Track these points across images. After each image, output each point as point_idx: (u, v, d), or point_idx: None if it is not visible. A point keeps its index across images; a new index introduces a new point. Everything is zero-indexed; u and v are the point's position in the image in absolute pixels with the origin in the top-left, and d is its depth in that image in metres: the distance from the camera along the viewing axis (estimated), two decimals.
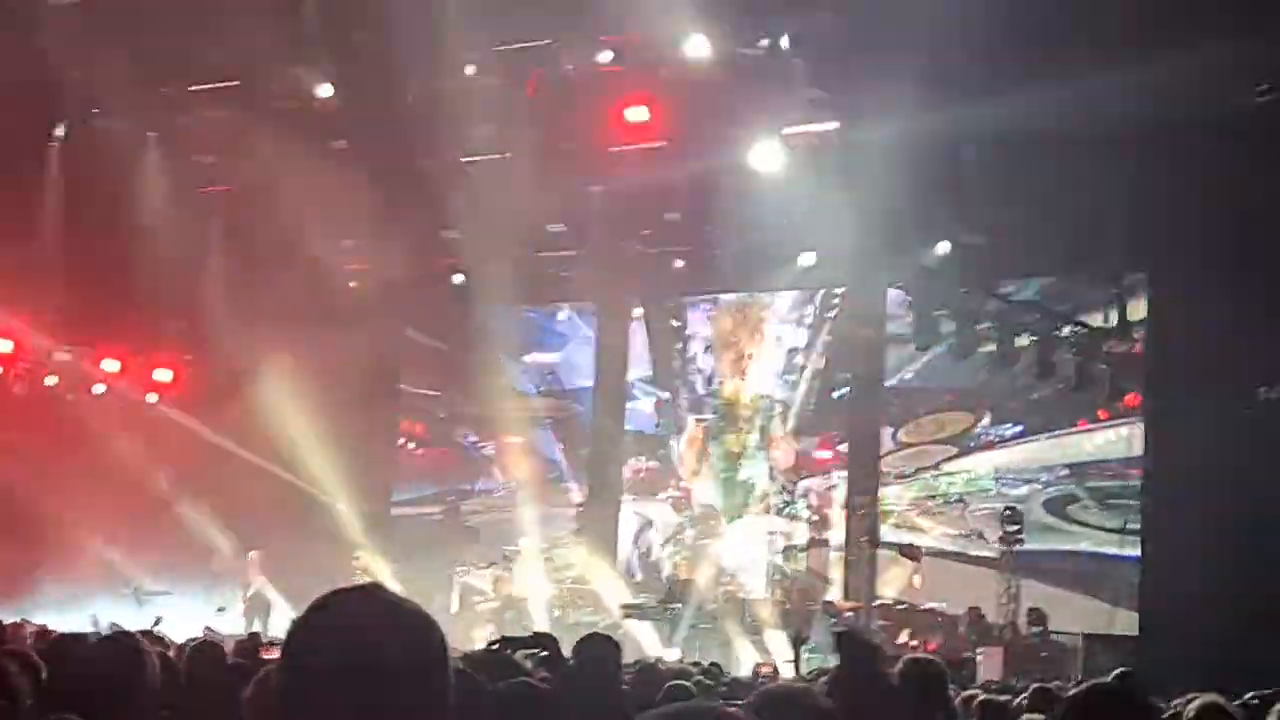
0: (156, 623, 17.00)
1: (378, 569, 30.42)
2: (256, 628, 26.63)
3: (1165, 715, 8.20)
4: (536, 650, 10.49)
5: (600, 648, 9.43)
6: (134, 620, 19.74)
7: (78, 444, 30.12)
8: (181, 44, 26.36)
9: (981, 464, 28.91)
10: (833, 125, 24.56)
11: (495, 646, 10.77)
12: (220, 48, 26.36)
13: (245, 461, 30.71)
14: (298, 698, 2.98)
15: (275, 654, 10.97)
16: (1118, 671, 13.20)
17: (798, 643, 16.39)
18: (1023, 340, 24.60)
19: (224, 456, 31.95)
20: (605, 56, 25.32)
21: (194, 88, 27.73)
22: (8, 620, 16.24)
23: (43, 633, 15.02)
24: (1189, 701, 7.92)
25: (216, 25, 25.60)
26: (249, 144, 27.68)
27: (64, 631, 14.56)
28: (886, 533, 28.29)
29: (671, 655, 24.36)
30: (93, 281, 29.87)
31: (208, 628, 22.74)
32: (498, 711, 6.48)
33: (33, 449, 29.77)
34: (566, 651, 11.49)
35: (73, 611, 24.11)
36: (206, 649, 9.42)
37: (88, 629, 16.74)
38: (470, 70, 26.23)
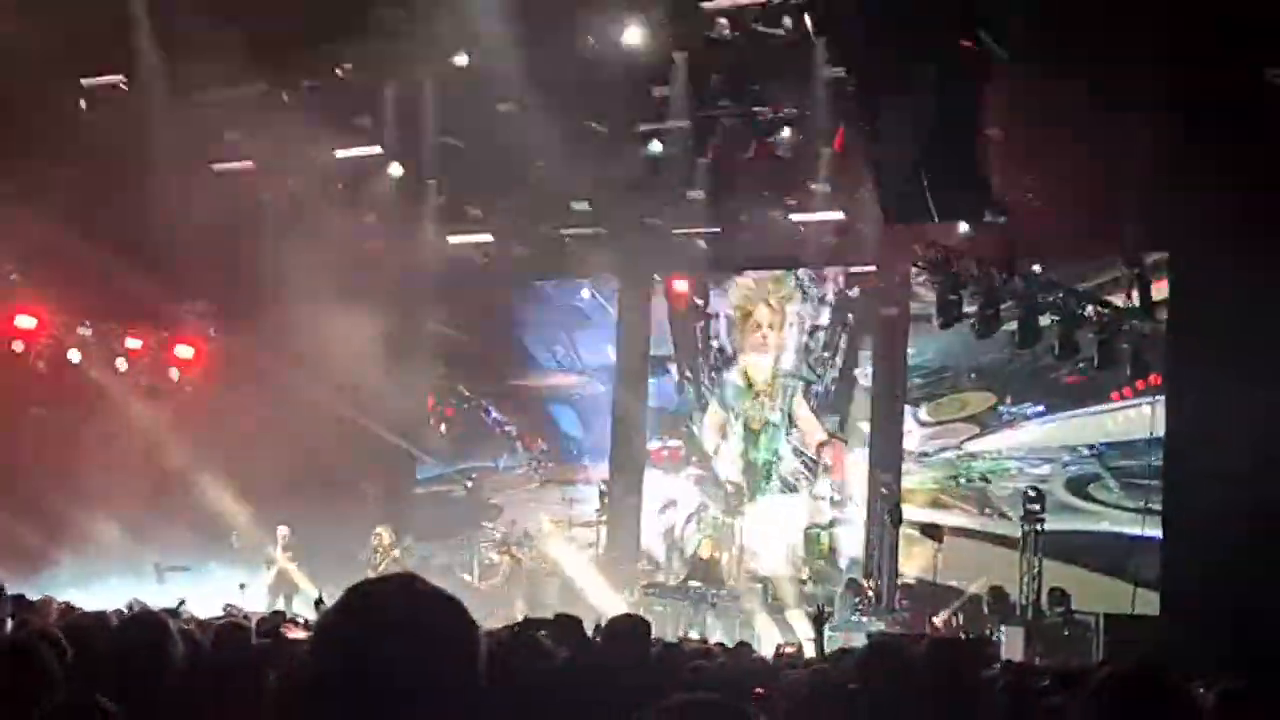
0: (180, 604, 17.01)
1: (397, 545, 30.46)
2: (280, 605, 26.70)
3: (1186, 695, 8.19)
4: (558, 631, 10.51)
5: (629, 626, 9.42)
6: (156, 597, 19.79)
7: (100, 420, 30.22)
8: (207, 19, 26.35)
9: (1004, 443, 28.91)
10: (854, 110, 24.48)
11: (517, 628, 10.80)
12: (244, 25, 26.40)
13: (268, 439, 30.75)
14: (330, 687, 3.00)
15: (298, 632, 10.99)
16: (1142, 656, 13.19)
17: (820, 621, 16.36)
18: (1045, 320, 24.54)
19: (246, 434, 32.01)
20: (632, 35, 25.24)
21: (218, 64, 27.72)
22: (32, 597, 16.35)
23: (66, 610, 15.11)
24: (1206, 688, 7.91)
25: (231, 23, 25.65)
26: (273, 120, 27.68)
27: (87, 609, 14.66)
28: (909, 511, 28.25)
29: (693, 634, 24.40)
30: (116, 258, 29.91)
31: (229, 605, 22.80)
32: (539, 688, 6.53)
33: (55, 425, 29.91)
34: (588, 631, 11.53)
35: (94, 587, 24.18)
36: (232, 630, 9.45)
37: (113, 605, 16.77)
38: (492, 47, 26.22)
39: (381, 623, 3.01)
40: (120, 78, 28.36)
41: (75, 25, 26.11)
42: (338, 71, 27.36)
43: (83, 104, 29.03)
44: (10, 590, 14.80)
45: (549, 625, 10.99)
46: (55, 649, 6.64)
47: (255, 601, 26.59)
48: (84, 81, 28.59)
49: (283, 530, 29.69)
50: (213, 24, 25.92)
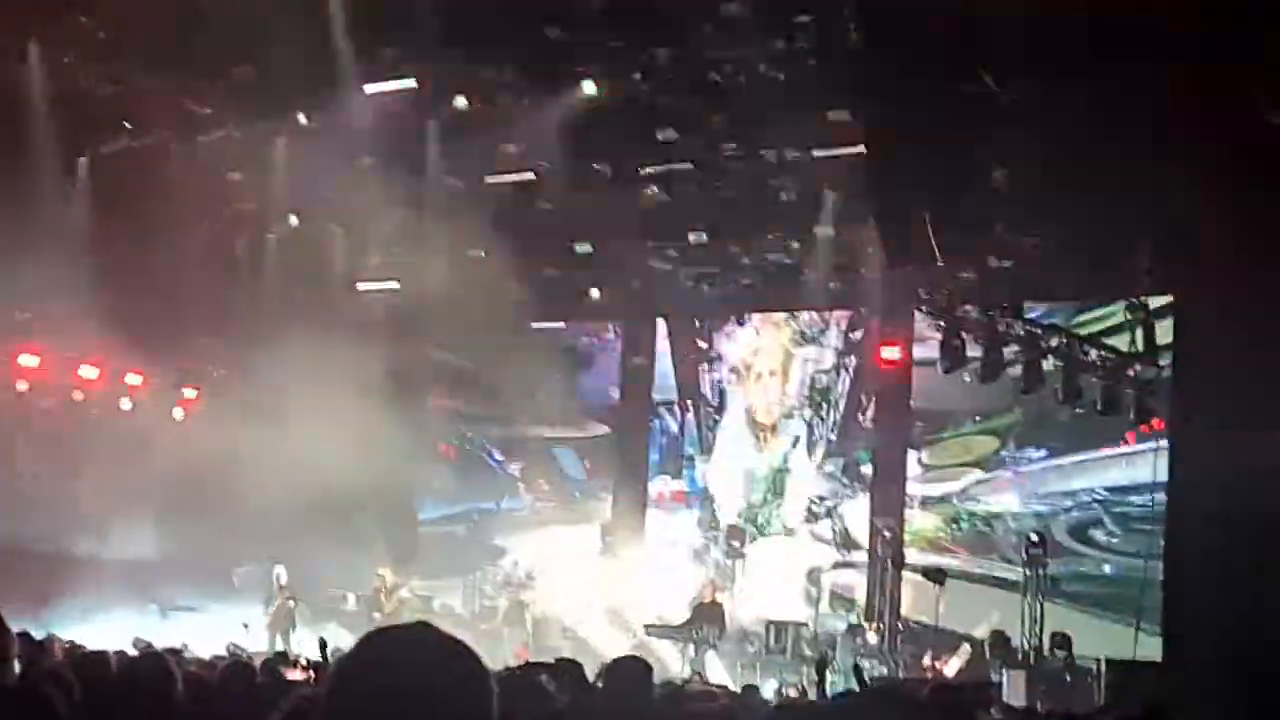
0: (184, 648, 17.01)
1: (401, 586, 30.44)
2: (280, 645, 26.68)
3: None
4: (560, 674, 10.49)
5: (631, 670, 9.39)
6: (159, 634, 19.78)
7: (103, 458, 30.20)
8: (209, 59, 26.46)
9: (1006, 487, 28.91)
10: (858, 149, 24.53)
11: (518, 670, 10.78)
12: (249, 64, 26.51)
13: (271, 478, 30.75)
14: None
15: (297, 674, 10.98)
16: (1145, 701, 13.18)
17: (823, 668, 16.33)
18: (1048, 364, 24.56)
19: (250, 472, 32.02)
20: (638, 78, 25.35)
21: (222, 103, 27.83)
22: (36, 634, 16.32)
23: (70, 649, 15.10)
24: None
25: (245, 42, 25.73)
26: (276, 161, 27.80)
27: (91, 649, 14.66)
28: (911, 555, 28.25)
29: (694, 676, 24.35)
30: (120, 298, 29.98)
31: (232, 644, 22.78)
32: None
33: (58, 463, 29.90)
34: (589, 673, 11.51)
35: (97, 624, 24.14)
36: (238, 669, 9.46)
37: (116, 644, 16.77)
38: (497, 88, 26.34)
39: (397, 670, 3.03)
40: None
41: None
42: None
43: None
44: (14, 629, 14.78)
45: (549, 669, 10.98)
46: (63, 689, 6.64)
47: (258, 641, 26.59)
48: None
49: (278, 570, 29.62)
50: (217, 62, 26.15)
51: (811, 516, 31.02)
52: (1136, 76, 20.76)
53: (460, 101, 26.55)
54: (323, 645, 16.32)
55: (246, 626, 27.22)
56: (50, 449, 30.95)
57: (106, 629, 22.54)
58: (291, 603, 29.13)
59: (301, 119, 27.71)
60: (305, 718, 6.46)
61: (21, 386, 30.13)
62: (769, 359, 31.91)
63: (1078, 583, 27.42)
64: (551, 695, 9.19)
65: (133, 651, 14.44)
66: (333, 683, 3.10)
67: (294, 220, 30.38)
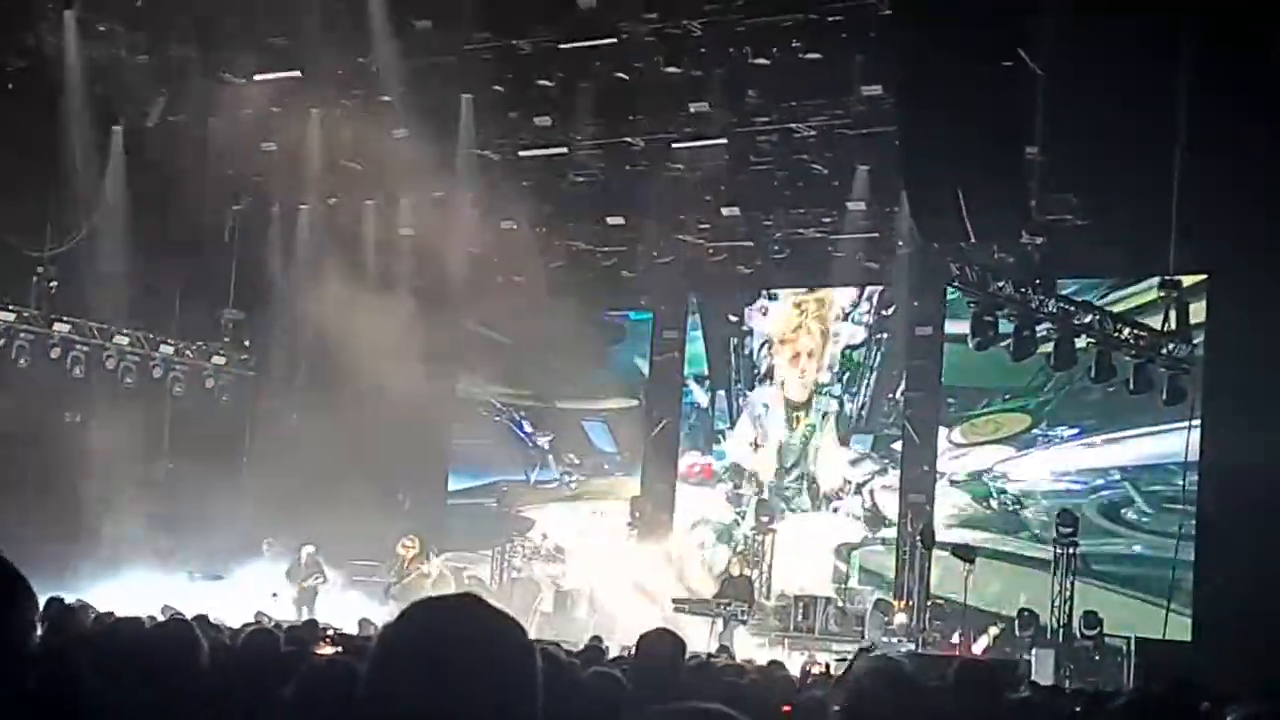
0: (213, 619, 17.01)
1: (426, 556, 30.45)
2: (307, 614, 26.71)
3: None
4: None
5: (663, 643, 9.34)
6: (188, 602, 19.80)
7: (134, 427, 30.28)
8: (244, 33, 26.51)
9: (1037, 465, 28.84)
10: (890, 129, 24.46)
11: (542, 646, 10.75)
12: (283, 37, 26.56)
13: (301, 446, 30.81)
14: (387, 704, 3.00)
15: (327, 649, 10.99)
16: (1173, 680, 13.12)
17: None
18: (1081, 342, 24.47)
19: (280, 441, 32.09)
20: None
21: (258, 77, 27.85)
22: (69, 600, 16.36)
23: (103, 616, 15.13)
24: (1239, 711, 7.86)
25: (280, 11, 25.77)
26: (310, 133, 27.84)
27: (122, 616, 14.67)
28: (941, 532, 28.18)
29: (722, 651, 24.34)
30: (154, 268, 30.08)
31: (260, 612, 22.84)
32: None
33: (90, 431, 29.97)
34: (615, 647, 11.51)
35: (128, 593, 24.19)
36: (262, 637, 9.46)
37: (145, 612, 16.80)
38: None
39: (443, 642, 3.02)
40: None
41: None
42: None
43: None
44: (44, 594, 14.79)
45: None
46: (89, 655, 6.66)
47: (287, 610, 26.67)
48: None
49: (308, 549, 29.59)
50: (252, 35, 26.20)
51: (841, 493, 30.98)
52: (1172, 54, 20.67)
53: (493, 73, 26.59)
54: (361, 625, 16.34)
55: (275, 595, 27.30)
56: (82, 416, 31.01)
57: (137, 596, 22.57)
58: (318, 579, 29.11)
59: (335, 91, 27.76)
60: (320, 685, 6.47)
61: (54, 353, 30.10)
62: (800, 335, 31.84)
63: (1108, 562, 27.36)
64: (576, 667, 9.19)
65: (161, 619, 14.48)
66: (377, 653, 3.08)
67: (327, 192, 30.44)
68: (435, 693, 2.95)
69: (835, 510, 31.00)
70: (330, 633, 17.07)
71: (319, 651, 10.97)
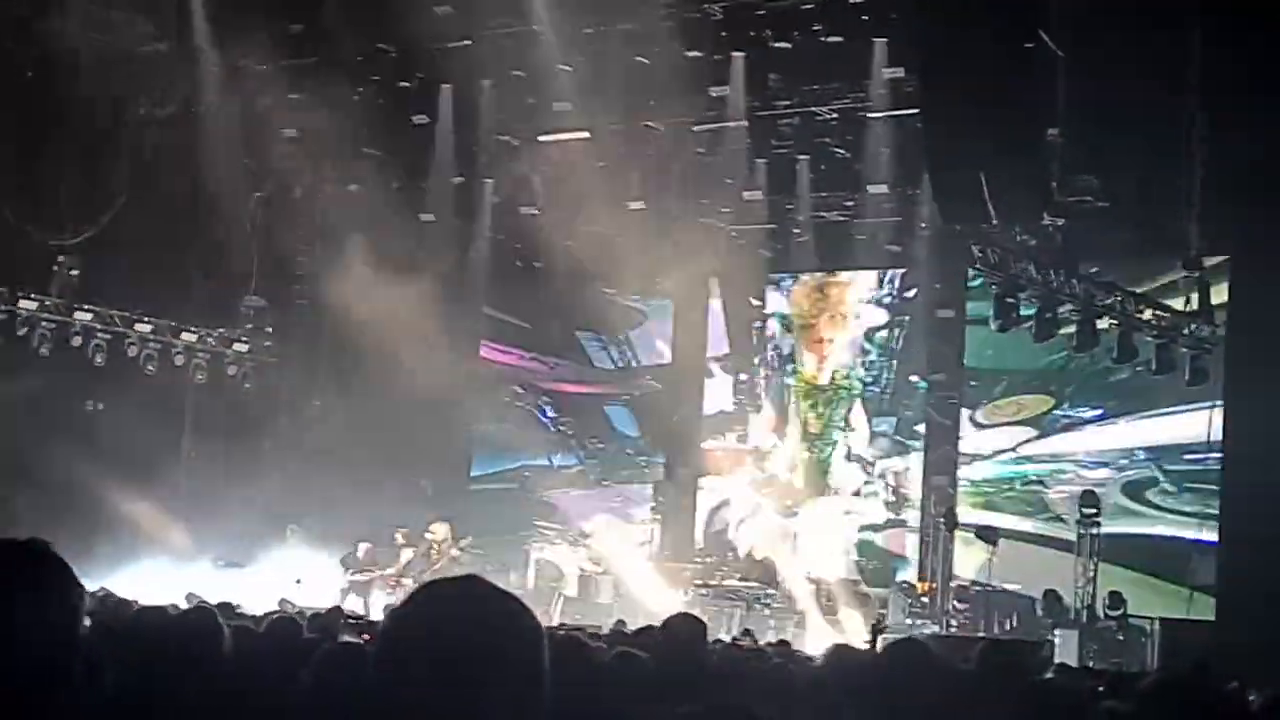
0: (236, 607, 17.05)
1: (453, 542, 30.49)
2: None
3: (1239, 702, 8.14)
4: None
5: (687, 627, 9.34)
6: (212, 589, 19.85)
7: (157, 414, 30.37)
8: (263, 20, 26.54)
9: (1060, 446, 28.79)
10: (912, 111, 24.46)
11: (564, 629, 10.78)
12: (301, 24, 26.59)
13: (324, 433, 30.88)
14: (393, 688, 3.01)
15: (346, 635, 11.01)
16: (1197, 662, 13.11)
17: (877, 632, 16.33)
18: (1103, 323, 24.42)
19: (304, 428, 32.16)
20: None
21: (281, 63, 27.89)
22: (91, 589, 16.40)
23: (124, 604, 15.16)
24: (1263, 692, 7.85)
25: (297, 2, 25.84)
26: (328, 119, 27.84)
27: (143, 604, 14.70)
28: (964, 514, 28.15)
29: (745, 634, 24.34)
30: (175, 255, 30.13)
31: (284, 599, 22.88)
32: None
33: (112, 419, 30.04)
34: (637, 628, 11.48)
35: (151, 580, 24.26)
36: (284, 625, 9.47)
37: (168, 599, 16.85)
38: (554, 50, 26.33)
39: (448, 623, 3.02)
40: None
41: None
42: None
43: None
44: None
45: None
46: (112, 643, 6.69)
47: (310, 597, 26.72)
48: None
49: (365, 545, 29.75)
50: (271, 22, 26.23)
51: (864, 475, 30.95)
52: (1191, 34, 20.62)
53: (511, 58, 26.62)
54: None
55: (299, 582, 27.34)
56: (104, 404, 31.09)
57: (160, 584, 22.64)
58: (373, 573, 29.20)
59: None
60: (336, 669, 6.48)
61: (75, 341, 30.15)
62: (822, 318, 31.79)
63: (1131, 543, 27.30)
64: (599, 650, 9.18)
65: (185, 606, 14.51)
66: (383, 636, 3.10)
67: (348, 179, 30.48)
68: (440, 676, 2.96)
69: (858, 493, 30.98)
70: (354, 619, 17.09)
71: (344, 639, 10.98)
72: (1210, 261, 24.52)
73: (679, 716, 3.04)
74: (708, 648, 9.76)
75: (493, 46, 26.39)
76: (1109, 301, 24.05)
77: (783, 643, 17.53)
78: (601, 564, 31.40)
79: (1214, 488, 26.38)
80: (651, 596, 28.32)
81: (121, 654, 6.84)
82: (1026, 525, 28.72)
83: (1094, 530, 26.08)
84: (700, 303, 33.16)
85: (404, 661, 3.01)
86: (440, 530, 30.35)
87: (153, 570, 26.55)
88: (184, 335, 31.91)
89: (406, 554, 30.21)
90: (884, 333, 31.12)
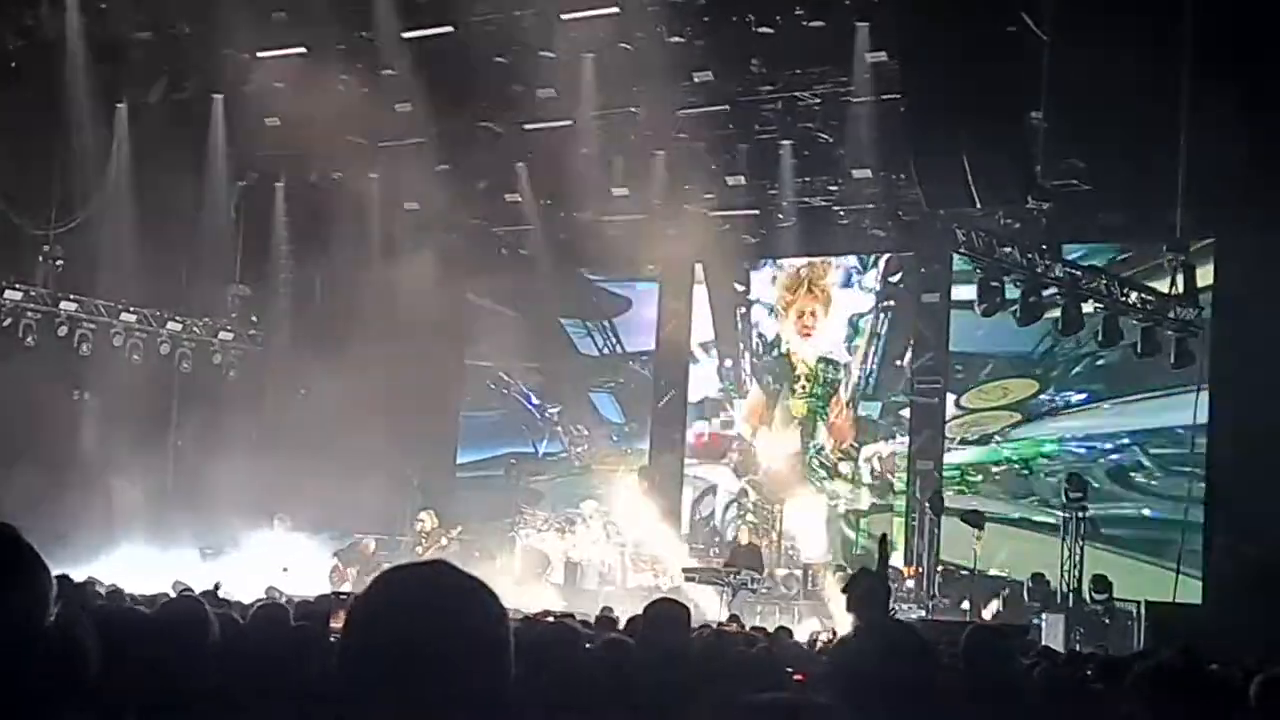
0: (217, 587, 17.01)
1: (442, 531, 30.52)
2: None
3: (1229, 685, 8.15)
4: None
5: (669, 612, 9.35)
6: (198, 577, 19.85)
7: (142, 404, 30.36)
8: (247, 8, 26.45)
9: (1045, 430, 28.85)
10: (895, 96, 24.46)
11: (552, 616, 10.77)
12: (285, 12, 26.53)
13: (310, 421, 30.85)
14: (360, 672, 3.01)
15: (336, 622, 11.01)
16: (1181, 646, 13.12)
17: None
18: (1088, 306, 24.45)
19: (289, 416, 32.13)
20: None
21: (261, 54, 27.82)
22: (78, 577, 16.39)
23: (112, 593, 15.17)
24: (1248, 676, 7.85)
25: None
26: (314, 108, 27.78)
27: (130, 592, 14.72)
28: (950, 498, 28.19)
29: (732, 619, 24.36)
30: (161, 245, 30.07)
31: (271, 587, 22.88)
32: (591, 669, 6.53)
33: (98, 409, 30.03)
34: (625, 615, 11.49)
35: (139, 569, 24.23)
36: (271, 613, 9.47)
37: (157, 588, 16.84)
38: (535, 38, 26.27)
39: (411, 607, 3.03)
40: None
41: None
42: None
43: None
44: (54, 572, 14.76)
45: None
46: (96, 633, 6.66)
47: (298, 585, 26.70)
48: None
49: (369, 541, 29.83)
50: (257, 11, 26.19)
51: (850, 460, 30.98)
52: (1175, 17, 20.62)
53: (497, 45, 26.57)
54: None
55: (286, 570, 27.32)
56: (90, 394, 31.07)
57: (146, 572, 22.62)
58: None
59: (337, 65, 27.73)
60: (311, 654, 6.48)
61: (61, 331, 30.09)
62: (807, 303, 31.81)
63: (1117, 526, 27.36)
64: (586, 638, 9.18)
65: (171, 594, 14.53)
66: (348, 620, 3.10)
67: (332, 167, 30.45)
68: (404, 659, 2.96)
69: (844, 478, 31.00)
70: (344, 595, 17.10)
71: (334, 624, 10.97)
72: (1196, 245, 24.55)
73: (740, 705, 3.03)
74: (690, 633, 9.76)
75: (475, 33, 26.30)
76: (1094, 285, 24.05)
77: (781, 628, 17.54)
78: (587, 551, 31.41)
79: (1200, 470, 26.43)
80: (638, 582, 28.33)
81: (108, 642, 6.83)
82: (1012, 509, 28.78)
83: (1080, 513, 26.09)
84: (684, 289, 33.16)
85: (368, 646, 3.02)
86: (428, 520, 30.37)
87: (139, 558, 26.53)
88: (169, 324, 31.87)
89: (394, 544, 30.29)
90: (868, 317, 31.14)
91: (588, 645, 8.64)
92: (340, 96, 27.81)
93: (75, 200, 29.30)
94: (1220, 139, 21.94)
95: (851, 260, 31.45)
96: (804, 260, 31.90)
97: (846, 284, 31.47)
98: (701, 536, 31.90)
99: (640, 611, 9.69)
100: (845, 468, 31.01)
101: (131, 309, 31.08)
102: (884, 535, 20.46)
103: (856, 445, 30.98)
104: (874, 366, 30.99)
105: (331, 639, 8.30)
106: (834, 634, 19.55)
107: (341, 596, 16.56)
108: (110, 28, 27.16)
